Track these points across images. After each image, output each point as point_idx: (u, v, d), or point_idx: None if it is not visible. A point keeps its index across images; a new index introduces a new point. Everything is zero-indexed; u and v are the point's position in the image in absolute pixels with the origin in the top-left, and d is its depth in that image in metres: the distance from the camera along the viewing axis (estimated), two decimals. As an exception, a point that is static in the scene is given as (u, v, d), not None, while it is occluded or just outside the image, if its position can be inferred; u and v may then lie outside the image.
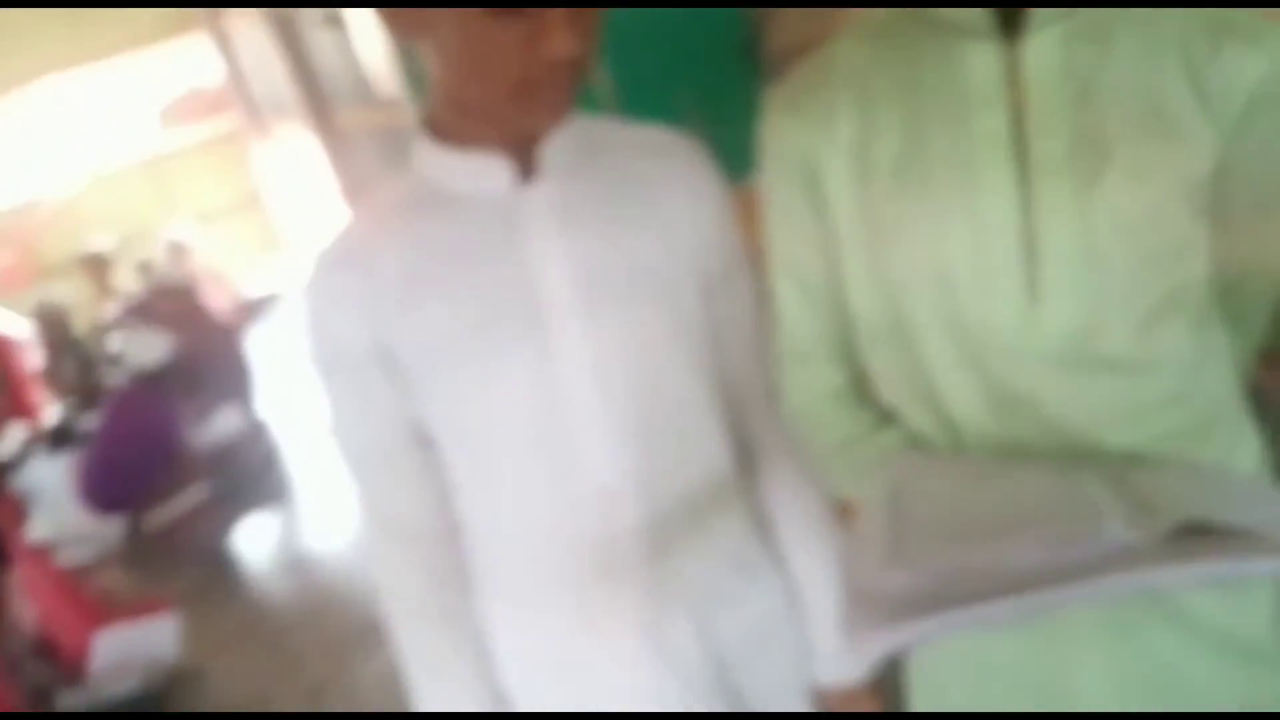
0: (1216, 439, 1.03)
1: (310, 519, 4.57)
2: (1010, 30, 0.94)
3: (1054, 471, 0.94)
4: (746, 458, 1.20)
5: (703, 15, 2.28)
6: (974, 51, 0.95)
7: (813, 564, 1.19)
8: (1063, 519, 0.85)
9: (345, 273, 1.03)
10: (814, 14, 2.01)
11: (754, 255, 1.15)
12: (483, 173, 1.01)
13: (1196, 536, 0.80)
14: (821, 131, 1.02)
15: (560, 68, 0.90)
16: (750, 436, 1.20)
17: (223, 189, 6.82)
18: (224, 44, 5.59)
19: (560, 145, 1.02)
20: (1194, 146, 0.93)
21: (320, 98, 4.61)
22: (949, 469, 1.00)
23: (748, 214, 1.15)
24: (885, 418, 1.11)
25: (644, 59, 2.11)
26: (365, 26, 3.52)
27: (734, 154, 1.20)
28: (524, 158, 1.02)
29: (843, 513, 1.18)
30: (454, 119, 1.00)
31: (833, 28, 1.97)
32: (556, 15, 0.87)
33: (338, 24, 3.88)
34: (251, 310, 6.05)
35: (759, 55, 2.25)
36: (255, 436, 5.19)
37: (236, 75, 5.66)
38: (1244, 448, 1.06)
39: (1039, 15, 0.92)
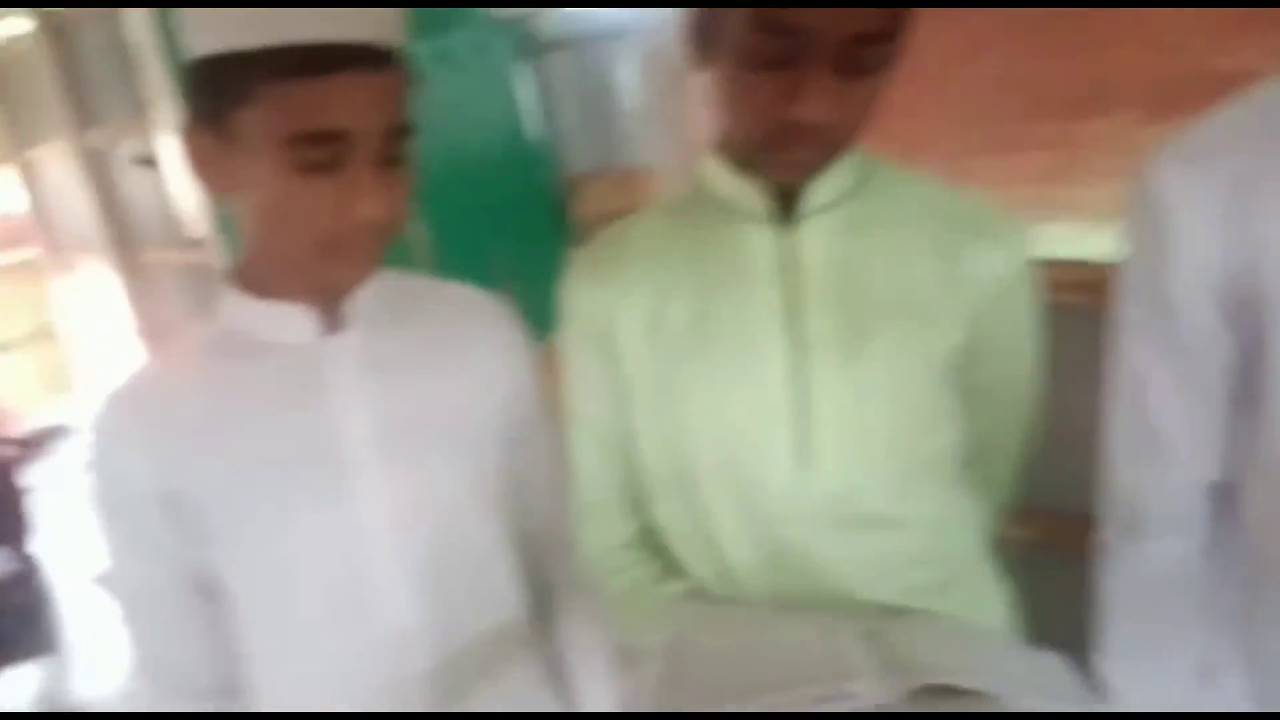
0: (964, 592, 1.12)
1: (80, 670, 4.21)
2: (786, 215, 1.03)
3: (818, 627, 1.00)
4: (543, 604, 1.21)
5: (519, 178, 2.38)
6: (753, 234, 1.04)
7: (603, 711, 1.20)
8: (822, 677, 0.90)
9: (135, 415, 1.00)
10: (622, 185, 2.14)
11: (559, 409, 1.19)
12: (287, 323, 1.01)
13: (940, 695, 0.87)
14: (618, 298, 1.09)
15: (369, 227, 0.91)
16: (547, 583, 1.21)
17: (16, 322, 6.44)
18: (29, 175, 5.40)
19: (367, 299, 1.04)
20: (945, 328, 1.04)
21: (126, 234, 4.50)
22: (723, 622, 1.05)
23: (557, 369, 1.20)
24: (671, 568, 1.15)
25: (460, 218, 2.18)
26: (177, 165, 3.49)
27: (545, 311, 1.25)
28: (330, 309, 1.02)
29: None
30: (261, 270, 1.01)
31: (638, 199, 2.10)
32: (367, 177, 0.89)
33: (150, 162, 3.83)
34: (35, 447, 5.65)
35: (570, 219, 2.37)
36: (25, 581, 4.77)
37: (40, 207, 5.45)
38: (989, 600, 1.15)
39: (810, 204, 1.03)
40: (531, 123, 2.39)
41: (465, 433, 1.08)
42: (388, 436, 1.02)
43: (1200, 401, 0.96)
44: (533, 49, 2.34)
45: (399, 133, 0.91)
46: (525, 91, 2.38)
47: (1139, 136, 0.96)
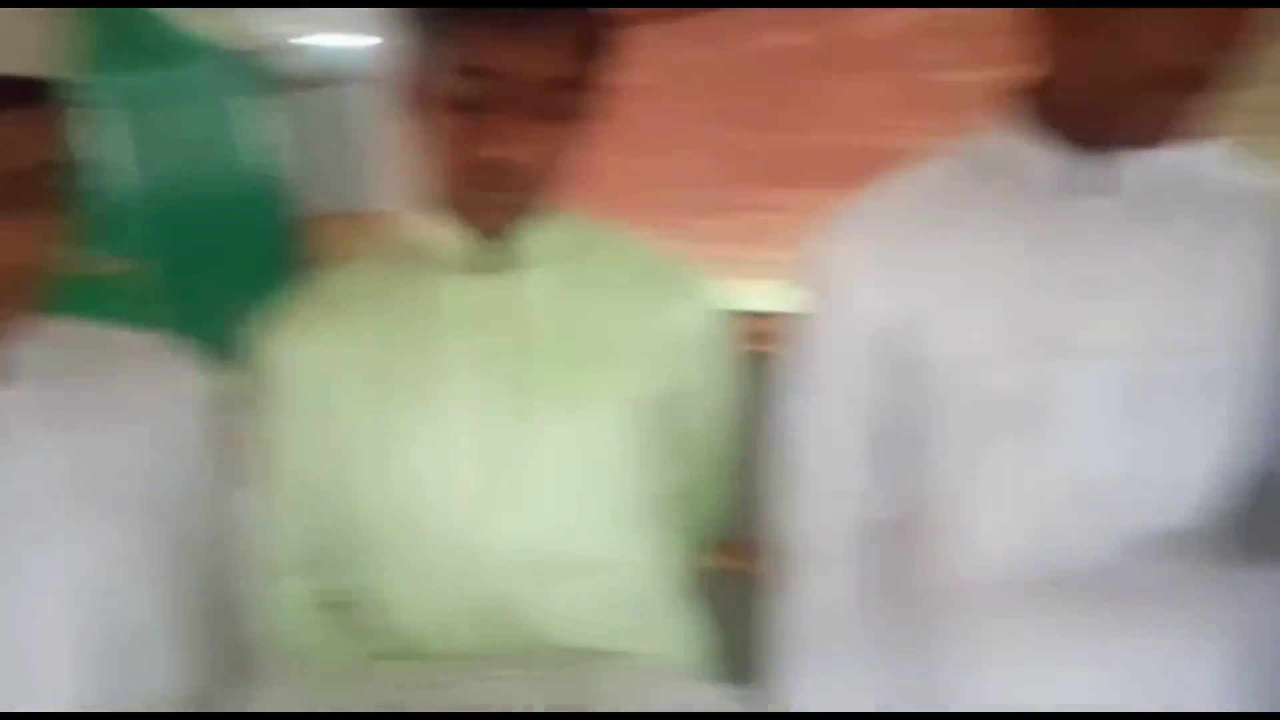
0: (665, 631, 1.17)
1: None
2: (491, 266, 1.07)
3: (518, 682, 1.02)
4: (231, 668, 1.13)
5: (253, 219, 2.33)
6: (457, 283, 1.07)
7: None
8: None
9: None
10: (358, 227, 2.13)
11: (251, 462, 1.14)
12: None
13: None
14: (322, 349, 1.08)
15: (10, 271, 0.87)
16: (234, 647, 1.15)
17: None
18: None
19: (25, 349, 0.96)
20: (645, 375, 1.10)
21: None
22: (418, 679, 1.05)
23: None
24: (365, 628, 1.13)
25: (192, 258, 2.09)
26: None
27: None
28: None
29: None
30: None
31: (374, 241, 2.09)
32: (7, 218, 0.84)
33: None
34: None
35: (305, 261, 2.33)
36: None
37: None
38: (689, 637, 1.21)
39: (516, 256, 1.06)
40: (267, 162, 2.35)
41: (132, 491, 1.02)
42: (46, 498, 0.95)
43: (863, 447, 1.04)
44: (270, 87, 2.30)
45: (48, 171, 0.87)
46: (262, 130, 2.34)
47: (822, 205, 1.06)
